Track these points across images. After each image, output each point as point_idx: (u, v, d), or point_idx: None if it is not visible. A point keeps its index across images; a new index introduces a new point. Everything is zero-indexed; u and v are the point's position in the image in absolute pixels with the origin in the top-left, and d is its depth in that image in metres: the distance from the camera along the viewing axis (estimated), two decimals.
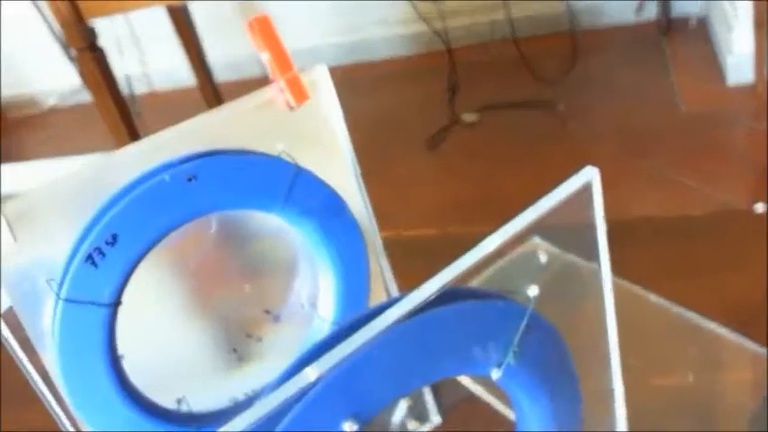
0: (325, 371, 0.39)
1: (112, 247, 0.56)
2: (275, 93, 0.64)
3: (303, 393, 0.39)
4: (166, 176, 0.57)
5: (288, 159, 0.63)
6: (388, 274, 0.72)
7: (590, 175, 0.48)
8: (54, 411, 0.60)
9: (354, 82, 1.70)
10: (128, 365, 0.61)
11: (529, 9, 1.74)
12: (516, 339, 0.46)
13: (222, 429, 0.37)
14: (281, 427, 0.39)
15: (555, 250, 0.92)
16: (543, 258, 0.88)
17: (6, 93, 2.03)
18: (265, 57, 0.64)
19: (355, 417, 0.40)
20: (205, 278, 0.66)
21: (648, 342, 0.82)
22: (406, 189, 1.37)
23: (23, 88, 2.05)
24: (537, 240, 0.92)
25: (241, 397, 0.67)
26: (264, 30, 0.65)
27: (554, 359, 0.49)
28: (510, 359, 0.46)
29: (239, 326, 0.69)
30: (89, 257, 0.56)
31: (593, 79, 1.65)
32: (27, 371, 0.58)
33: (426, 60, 1.80)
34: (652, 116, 1.46)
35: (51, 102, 2.06)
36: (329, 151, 0.69)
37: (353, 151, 0.70)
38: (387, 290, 0.73)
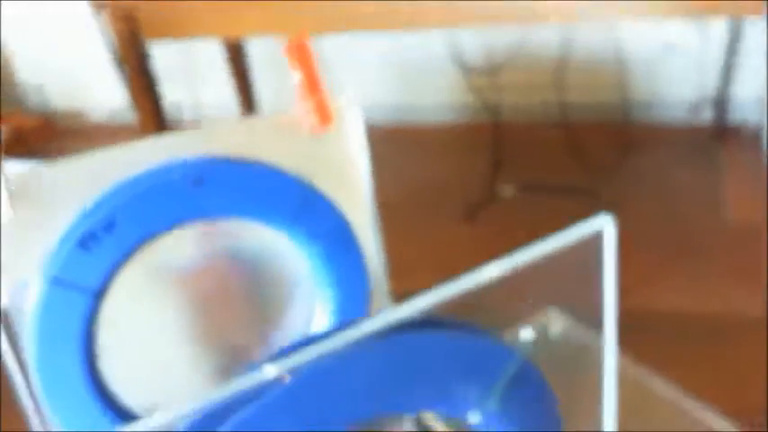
0: (286, 370, 0.36)
1: (108, 233, 0.55)
2: (301, 114, 0.64)
3: (258, 393, 0.36)
4: (174, 173, 0.56)
5: (303, 179, 0.62)
6: None
7: (603, 223, 0.45)
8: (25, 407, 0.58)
9: (398, 142, 1.71)
10: (107, 364, 0.59)
11: (584, 95, 1.74)
12: (501, 384, 0.42)
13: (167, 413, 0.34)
14: (226, 426, 0.36)
15: (572, 324, 0.88)
16: (556, 329, 0.84)
17: (59, 103, 2.09)
18: (297, 77, 0.64)
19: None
20: (200, 291, 0.64)
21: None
22: (433, 251, 1.34)
23: (76, 101, 2.11)
24: (555, 312, 0.88)
25: None
26: (302, 52, 0.65)
27: (540, 414, 0.45)
28: (492, 404, 0.42)
29: (230, 346, 0.67)
30: (83, 241, 0.55)
31: (641, 174, 1.62)
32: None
33: (473, 131, 1.80)
34: (696, 219, 1.43)
35: (100, 117, 2.11)
36: (348, 184, 0.68)
37: (372, 191, 0.68)
38: None
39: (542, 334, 0.78)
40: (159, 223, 0.57)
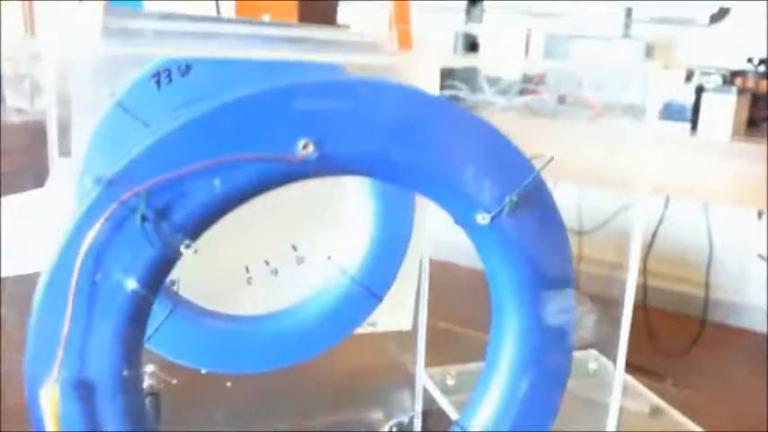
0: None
1: (183, 77, 0.58)
2: (387, 40, 0.67)
3: None
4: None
5: None
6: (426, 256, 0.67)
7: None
8: None
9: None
10: None
11: (665, 281, 1.74)
12: (518, 190, 0.40)
13: None
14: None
15: (609, 365, 0.83)
16: (593, 366, 0.81)
17: None
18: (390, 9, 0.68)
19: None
20: None
21: None
22: None
23: None
24: (594, 352, 0.84)
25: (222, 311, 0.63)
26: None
27: (546, 237, 0.42)
28: (505, 209, 0.40)
29: (261, 248, 0.66)
30: (156, 76, 0.58)
31: (708, 370, 1.58)
32: None
33: None
34: (754, 422, 1.35)
35: None
36: None
37: None
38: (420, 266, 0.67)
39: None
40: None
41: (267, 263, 0.67)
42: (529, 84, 1.54)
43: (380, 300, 0.65)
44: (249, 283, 0.66)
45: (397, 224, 0.65)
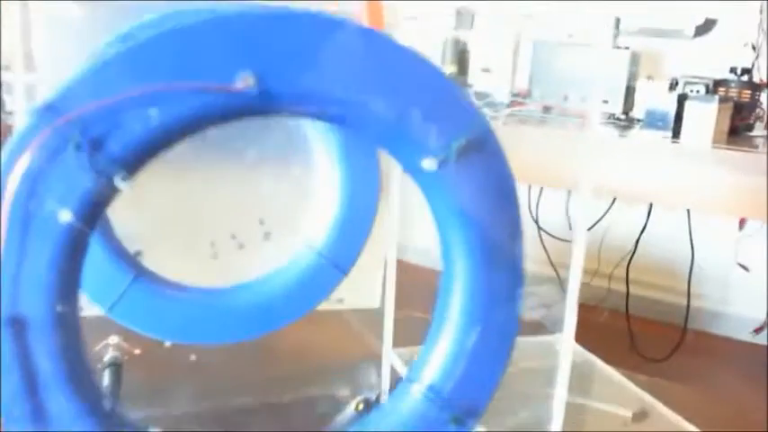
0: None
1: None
2: (359, 10, 0.67)
3: None
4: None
5: None
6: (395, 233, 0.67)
7: None
8: None
9: None
10: None
11: (649, 290, 1.74)
12: (463, 138, 0.40)
13: None
14: None
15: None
16: None
17: None
18: None
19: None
20: (213, 147, 0.65)
21: None
22: None
23: None
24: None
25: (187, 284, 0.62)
26: None
27: (500, 194, 0.41)
28: (450, 154, 0.40)
29: (228, 223, 0.66)
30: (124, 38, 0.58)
31: (691, 375, 1.58)
32: None
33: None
34: (735, 422, 1.35)
35: None
36: None
37: None
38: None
39: None
40: None
41: (233, 237, 0.66)
42: (516, 97, 1.55)
43: (346, 274, 0.64)
44: (215, 257, 0.66)
45: (363, 201, 0.65)
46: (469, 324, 0.42)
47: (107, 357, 0.63)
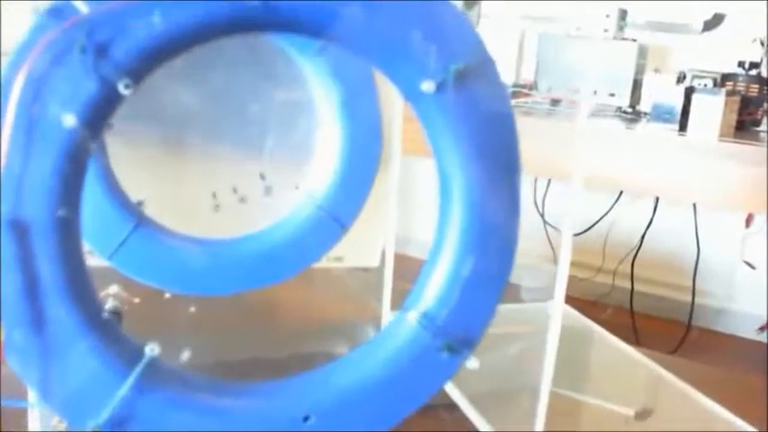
0: None
1: None
2: None
3: None
4: None
5: None
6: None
7: None
8: None
9: None
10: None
11: (654, 287, 1.74)
12: (461, 60, 0.40)
13: None
14: None
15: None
16: None
17: None
18: None
19: None
20: (216, 100, 0.65)
21: None
22: None
23: None
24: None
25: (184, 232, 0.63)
26: None
27: (498, 123, 0.42)
28: (449, 77, 0.40)
29: (230, 176, 0.67)
30: None
31: (694, 372, 1.59)
32: None
33: None
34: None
35: None
36: None
37: None
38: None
39: None
40: None
41: (235, 190, 0.67)
42: (522, 88, 1.56)
43: (346, 229, 0.65)
44: (216, 209, 0.66)
45: (364, 155, 0.65)
46: (465, 251, 0.43)
47: (108, 306, 0.64)
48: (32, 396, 0.46)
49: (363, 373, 0.43)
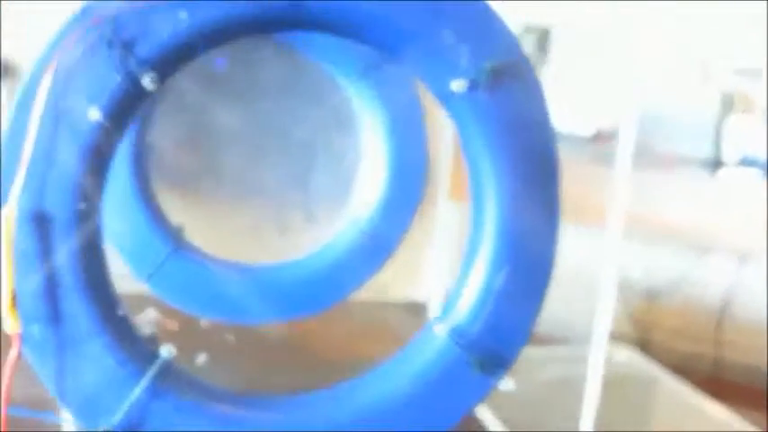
0: None
1: None
2: None
3: None
4: None
5: None
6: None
7: None
8: None
9: None
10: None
11: (742, 353, 1.64)
12: (495, 61, 0.39)
13: None
14: None
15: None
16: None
17: None
18: None
19: None
20: (261, 125, 0.65)
21: None
22: None
23: None
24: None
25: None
26: None
27: (533, 125, 0.40)
28: (481, 76, 0.39)
29: (273, 199, 0.66)
30: None
31: None
32: None
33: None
34: None
35: None
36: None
37: None
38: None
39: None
40: None
41: (278, 216, 0.66)
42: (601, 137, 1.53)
43: (390, 255, 0.63)
44: (259, 235, 0.66)
45: (409, 180, 0.64)
46: (498, 262, 0.40)
47: (145, 332, 0.63)
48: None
49: (389, 388, 0.41)
